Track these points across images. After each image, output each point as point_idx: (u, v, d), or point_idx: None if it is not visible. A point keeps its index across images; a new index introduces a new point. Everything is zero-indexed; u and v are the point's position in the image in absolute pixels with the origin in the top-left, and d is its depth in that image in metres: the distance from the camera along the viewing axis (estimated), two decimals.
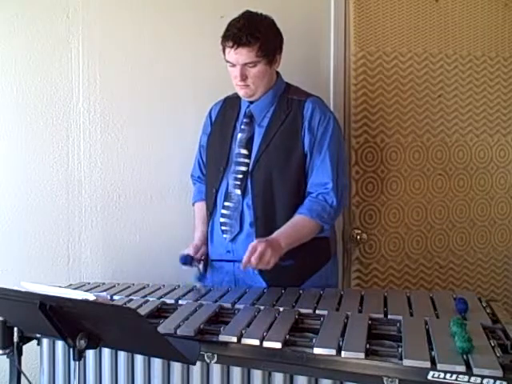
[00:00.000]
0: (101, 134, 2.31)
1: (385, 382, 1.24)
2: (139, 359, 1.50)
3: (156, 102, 2.33)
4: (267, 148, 1.90)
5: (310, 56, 2.38)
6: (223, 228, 1.95)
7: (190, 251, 1.95)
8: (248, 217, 1.91)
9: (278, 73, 1.99)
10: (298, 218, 1.86)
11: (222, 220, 1.95)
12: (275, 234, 1.81)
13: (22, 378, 1.64)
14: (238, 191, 1.92)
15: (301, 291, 1.79)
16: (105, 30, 2.28)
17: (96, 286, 1.94)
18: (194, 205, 2.17)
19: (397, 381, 1.23)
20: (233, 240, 1.94)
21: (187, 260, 1.92)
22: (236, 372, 1.41)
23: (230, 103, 2.05)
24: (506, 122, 2.47)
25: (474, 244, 2.48)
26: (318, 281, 1.94)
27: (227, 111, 2.05)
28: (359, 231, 2.35)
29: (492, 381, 1.16)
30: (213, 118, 2.10)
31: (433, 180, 2.41)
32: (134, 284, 1.94)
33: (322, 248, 1.96)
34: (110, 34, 2.29)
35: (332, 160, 1.89)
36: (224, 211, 1.95)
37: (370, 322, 1.47)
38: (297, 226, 1.85)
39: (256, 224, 1.89)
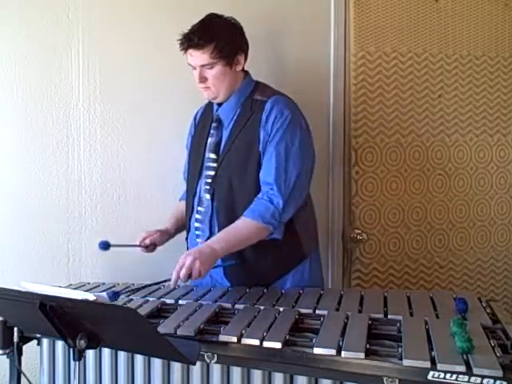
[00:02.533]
0: (101, 133, 2.31)
1: (385, 381, 1.24)
2: (139, 359, 1.50)
3: (156, 101, 2.32)
4: (228, 152, 1.90)
5: (310, 56, 2.38)
6: (197, 232, 1.97)
7: (142, 234, 2.03)
8: (216, 221, 1.91)
9: (247, 72, 1.97)
10: (240, 220, 1.80)
11: (196, 224, 1.98)
12: (211, 239, 1.79)
13: (22, 377, 1.64)
14: (208, 196, 1.93)
15: (301, 291, 1.79)
16: (105, 29, 2.28)
17: (96, 286, 1.94)
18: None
19: (397, 381, 1.23)
20: None
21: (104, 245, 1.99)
22: (236, 372, 1.41)
23: (209, 107, 2.05)
24: (505, 122, 2.47)
25: (473, 244, 2.48)
26: (292, 281, 1.91)
27: (204, 116, 2.06)
28: (359, 231, 2.35)
29: (492, 381, 1.16)
30: (196, 121, 2.11)
31: (433, 180, 2.41)
32: (133, 284, 1.94)
33: (288, 248, 1.90)
34: (109, 34, 2.28)
35: (277, 158, 1.81)
36: (197, 216, 1.97)
37: (370, 321, 1.47)
38: (236, 229, 1.79)
39: (219, 227, 1.88)
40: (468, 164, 2.44)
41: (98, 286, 1.95)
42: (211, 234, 1.91)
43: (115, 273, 2.28)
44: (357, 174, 2.35)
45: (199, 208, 1.97)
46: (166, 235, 2.07)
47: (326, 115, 2.38)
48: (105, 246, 1.99)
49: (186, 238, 2.06)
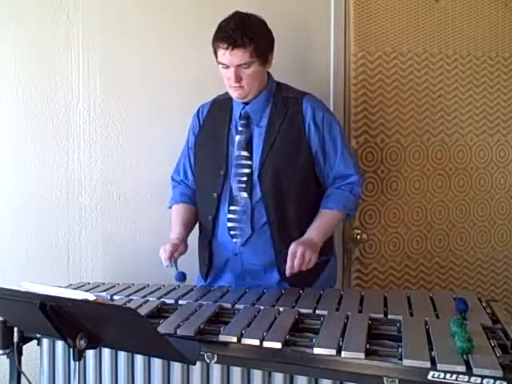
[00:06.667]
0: (101, 134, 2.31)
1: (385, 382, 1.24)
2: (139, 359, 1.50)
3: (156, 101, 2.32)
4: (272, 148, 1.90)
5: (310, 56, 2.38)
6: (232, 233, 1.92)
7: (169, 248, 1.85)
8: (259, 218, 1.90)
9: (268, 73, 1.98)
10: (326, 211, 1.91)
11: (229, 225, 1.92)
12: (309, 233, 1.87)
13: (22, 377, 1.64)
14: (245, 194, 1.90)
15: (301, 291, 1.79)
16: (105, 30, 2.28)
17: (96, 286, 1.94)
18: (171, 207, 2.09)
19: (397, 381, 1.23)
20: (244, 243, 1.92)
21: (182, 277, 1.88)
22: (236, 372, 1.41)
23: (219, 105, 2.02)
24: (505, 122, 2.47)
25: (473, 244, 2.48)
26: (327, 278, 1.99)
27: (216, 114, 2.02)
28: (359, 231, 2.35)
29: (492, 381, 1.16)
30: (201, 119, 2.07)
31: (433, 180, 2.41)
32: (133, 284, 1.94)
33: (327, 244, 1.96)
34: (109, 34, 2.29)
35: (350, 154, 1.99)
36: (231, 216, 1.92)
37: (370, 322, 1.47)
38: (325, 220, 1.91)
39: (269, 224, 1.89)
40: (468, 164, 2.44)
41: (98, 286, 1.95)
42: (253, 231, 1.90)
43: (115, 273, 2.28)
44: None
45: (232, 207, 1.91)
46: (186, 243, 1.96)
47: None
48: (182, 277, 1.88)
49: (200, 239, 2.02)
